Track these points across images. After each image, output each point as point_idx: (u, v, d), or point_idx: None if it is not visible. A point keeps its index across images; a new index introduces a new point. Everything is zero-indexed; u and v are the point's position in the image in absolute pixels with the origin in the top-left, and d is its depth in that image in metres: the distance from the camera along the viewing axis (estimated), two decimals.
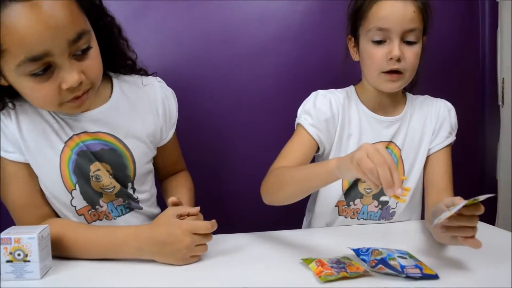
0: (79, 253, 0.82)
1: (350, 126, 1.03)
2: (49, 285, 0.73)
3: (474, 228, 0.72)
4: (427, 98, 1.08)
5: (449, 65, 1.41)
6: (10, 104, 0.83)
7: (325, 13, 1.33)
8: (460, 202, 0.71)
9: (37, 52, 0.71)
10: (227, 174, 1.36)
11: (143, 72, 0.98)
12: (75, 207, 0.89)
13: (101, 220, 0.92)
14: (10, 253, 0.73)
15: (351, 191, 1.04)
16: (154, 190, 1.02)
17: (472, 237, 0.72)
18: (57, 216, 0.89)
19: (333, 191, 1.04)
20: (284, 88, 1.34)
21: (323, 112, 1.00)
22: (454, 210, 0.69)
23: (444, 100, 1.08)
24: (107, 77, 0.93)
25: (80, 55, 0.76)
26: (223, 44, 1.31)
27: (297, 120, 1.03)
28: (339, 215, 1.05)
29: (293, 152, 0.99)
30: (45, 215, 0.87)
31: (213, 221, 0.82)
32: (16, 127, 0.83)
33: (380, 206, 1.05)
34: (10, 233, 0.74)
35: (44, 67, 0.73)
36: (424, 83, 1.08)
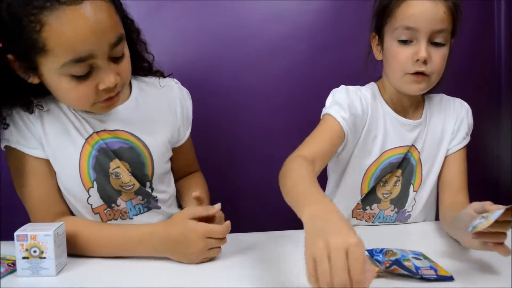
0: (93, 252, 0.83)
1: (376, 127, 0.98)
2: (65, 281, 0.74)
3: (504, 234, 0.70)
4: (443, 98, 1.06)
5: (464, 66, 1.38)
6: (39, 106, 0.84)
7: (338, 13, 1.32)
8: (491, 208, 0.69)
9: (82, 54, 0.74)
10: (238, 174, 1.36)
11: (160, 74, 1.00)
12: (91, 205, 0.89)
13: (116, 219, 0.92)
14: (26, 249, 0.74)
15: (369, 196, 1.02)
16: (173, 191, 1.01)
17: (502, 243, 0.70)
18: (72, 214, 0.90)
19: (351, 196, 1.02)
20: (296, 88, 1.34)
21: (355, 107, 0.95)
22: (493, 218, 0.66)
23: (461, 100, 1.06)
24: None
25: (115, 58, 0.79)
26: (235, 43, 1.31)
27: (326, 111, 0.95)
28: (352, 217, 1.04)
29: (318, 140, 0.91)
30: (61, 213, 0.88)
31: (228, 222, 0.81)
32: (40, 123, 0.85)
33: (396, 210, 1.03)
34: (26, 230, 0.75)
35: (86, 69, 0.76)
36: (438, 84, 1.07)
